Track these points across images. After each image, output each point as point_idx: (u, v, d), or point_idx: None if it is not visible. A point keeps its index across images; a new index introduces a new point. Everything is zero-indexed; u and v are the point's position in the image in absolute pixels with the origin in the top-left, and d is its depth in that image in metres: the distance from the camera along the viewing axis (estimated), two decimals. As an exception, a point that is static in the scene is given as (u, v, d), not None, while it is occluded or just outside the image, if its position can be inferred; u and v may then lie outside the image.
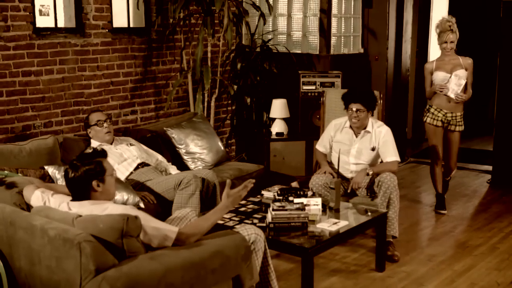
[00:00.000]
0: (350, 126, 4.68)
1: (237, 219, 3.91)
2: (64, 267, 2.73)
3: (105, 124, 4.61)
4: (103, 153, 3.17)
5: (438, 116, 5.38)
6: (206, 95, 5.90)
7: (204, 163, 5.13)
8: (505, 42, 6.28)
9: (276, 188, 4.37)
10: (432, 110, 5.41)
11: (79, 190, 3.06)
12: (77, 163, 3.06)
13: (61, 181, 3.98)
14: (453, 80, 5.23)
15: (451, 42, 5.27)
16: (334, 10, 6.56)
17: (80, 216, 2.90)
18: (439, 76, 5.34)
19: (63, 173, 3.90)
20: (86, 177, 3.03)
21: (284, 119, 6.33)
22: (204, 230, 3.07)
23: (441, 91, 5.31)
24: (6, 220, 3.02)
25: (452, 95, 5.29)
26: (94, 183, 3.03)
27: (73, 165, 3.06)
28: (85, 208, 2.99)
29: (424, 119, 5.46)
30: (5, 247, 3.05)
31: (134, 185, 4.36)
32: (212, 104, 5.97)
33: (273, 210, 3.74)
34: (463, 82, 5.24)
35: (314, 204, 3.90)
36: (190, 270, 2.83)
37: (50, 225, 2.83)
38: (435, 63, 5.40)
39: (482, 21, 9.22)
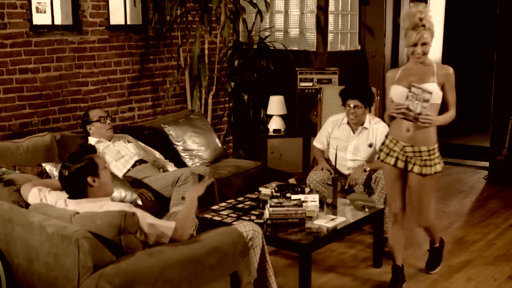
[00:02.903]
0: (348, 123, 4.69)
1: (234, 215, 3.92)
2: (62, 264, 2.73)
3: (107, 121, 4.62)
4: (91, 149, 3.19)
5: (394, 151, 3.67)
6: (203, 92, 5.90)
7: (202, 160, 5.13)
8: (501, 39, 6.29)
9: (274, 184, 4.37)
10: (387, 142, 3.73)
11: (76, 189, 3.06)
12: (69, 163, 3.06)
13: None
14: (412, 96, 3.50)
15: (424, 44, 3.53)
16: (331, 7, 6.56)
17: (78, 213, 2.91)
18: (397, 92, 3.61)
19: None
20: (80, 175, 3.03)
21: (281, 116, 6.34)
22: (189, 221, 3.11)
23: (397, 114, 3.56)
24: (4, 217, 3.02)
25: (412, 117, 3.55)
26: (89, 179, 3.03)
27: (65, 166, 3.07)
28: (82, 205, 3.00)
29: (377, 155, 3.94)
30: (3, 244, 3.05)
31: (132, 182, 4.36)
32: (209, 101, 5.97)
33: (271, 206, 3.75)
34: (429, 97, 3.48)
35: (311, 201, 3.91)
36: (188, 266, 2.84)
37: (48, 222, 2.83)
38: (399, 72, 3.69)
39: (479, 17, 9.23)
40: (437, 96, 3.54)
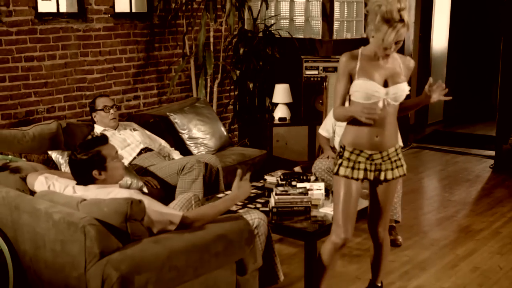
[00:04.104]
0: (353, 111, 4.66)
1: (240, 203, 3.92)
2: (68, 251, 2.74)
3: (111, 110, 4.61)
4: (103, 139, 3.15)
5: (359, 163, 3.09)
6: (208, 80, 5.89)
7: (207, 148, 5.14)
8: (508, 27, 6.25)
9: (279, 173, 4.37)
10: (346, 154, 3.09)
11: (82, 178, 3.07)
12: (76, 153, 3.05)
13: (64, 166, 3.99)
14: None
15: (398, 42, 2.96)
16: (337, -5, 6.53)
17: (85, 200, 2.92)
18: (365, 88, 2.99)
19: (66, 158, 3.93)
20: (86, 167, 3.03)
21: (287, 104, 6.33)
22: (210, 217, 3.06)
23: (367, 119, 2.88)
24: (10, 204, 3.03)
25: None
26: (95, 172, 3.03)
27: (72, 156, 3.07)
28: (90, 191, 3.00)
29: (335, 170, 3.12)
30: (10, 231, 3.06)
31: (137, 170, 4.37)
32: (215, 89, 5.96)
33: (276, 194, 3.75)
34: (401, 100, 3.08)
35: (317, 189, 3.90)
36: (194, 254, 2.85)
37: (54, 209, 2.84)
38: (359, 60, 3.06)
39: (485, 5, 9.18)
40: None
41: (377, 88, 2.97)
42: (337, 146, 4.69)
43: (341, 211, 3.11)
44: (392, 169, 3.13)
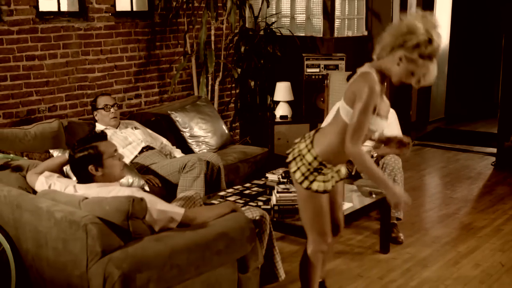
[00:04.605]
0: (355, 109, 4.66)
1: (242, 201, 3.92)
2: (70, 249, 2.75)
3: (112, 109, 4.61)
4: (101, 136, 3.15)
5: (333, 177, 3.07)
6: (210, 78, 5.89)
7: (209, 147, 5.14)
8: (509, 25, 6.24)
9: (281, 170, 4.37)
10: (325, 170, 2.98)
11: (80, 175, 3.08)
12: (74, 149, 3.07)
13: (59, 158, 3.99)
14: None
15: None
16: (338, -7, 6.53)
17: (87, 198, 2.92)
18: (380, 127, 2.92)
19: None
20: (82, 163, 3.03)
21: (288, 102, 6.32)
22: (205, 219, 3.06)
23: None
24: (12, 203, 3.04)
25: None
26: (91, 167, 3.03)
27: (71, 152, 3.07)
28: (91, 190, 3.01)
29: (306, 185, 2.98)
30: (12, 229, 3.07)
31: (139, 169, 4.37)
32: (216, 87, 5.97)
33: (278, 192, 3.75)
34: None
35: (318, 187, 3.90)
36: (195, 252, 2.85)
37: (56, 207, 2.85)
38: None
39: (486, 3, 9.16)
40: None
41: (385, 126, 2.91)
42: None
43: (325, 222, 3.10)
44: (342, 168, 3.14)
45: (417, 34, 2.69)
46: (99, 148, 3.05)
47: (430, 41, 2.68)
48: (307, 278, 3.28)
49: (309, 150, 2.97)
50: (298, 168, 2.99)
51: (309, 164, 2.96)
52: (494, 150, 6.68)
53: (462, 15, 9.00)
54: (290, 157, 3.04)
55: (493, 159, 6.62)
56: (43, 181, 3.19)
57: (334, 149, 2.92)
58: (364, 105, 2.73)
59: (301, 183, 2.98)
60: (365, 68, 2.87)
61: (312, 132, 3.07)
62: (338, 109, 2.94)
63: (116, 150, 3.13)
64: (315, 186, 2.97)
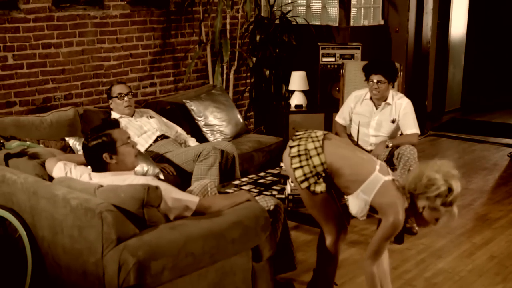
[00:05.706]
0: (371, 98, 4.65)
1: (256, 190, 3.92)
2: (86, 236, 2.76)
3: (125, 98, 4.62)
4: (113, 123, 3.16)
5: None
6: (225, 67, 5.88)
7: (223, 135, 5.14)
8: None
9: (295, 160, 4.36)
10: (326, 176, 3.07)
11: (95, 164, 3.09)
12: (88, 137, 3.08)
13: (81, 152, 4.01)
14: None
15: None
16: (354, -19, 6.48)
17: (102, 186, 2.93)
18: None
19: (83, 145, 3.95)
20: (96, 151, 3.04)
21: (303, 92, 6.30)
22: (219, 207, 3.06)
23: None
24: (29, 190, 3.06)
25: None
26: (105, 155, 3.03)
27: (85, 141, 3.09)
28: (106, 178, 3.02)
29: (305, 185, 3.06)
30: (28, 216, 3.10)
31: (154, 157, 4.38)
32: (231, 76, 5.96)
33: (292, 182, 3.75)
34: None
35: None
36: (210, 240, 2.86)
37: (72, 195, 2.86)
38: None
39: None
40: None
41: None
42: (354, 133, 4.67)
43: (335, 212, 3.17)
44: None
45: (437, 185, 2.82)
46: (112, 136, 3.06)
47: (449, 190, 2.82)
48: (326, 271, 3.27)
49: (318, 154, 3.00)
50: (301, 167, 3.02)
51: (314, 167, 3.00)
52: (510, 141, 6.64)
53: (480, 4, 8.91)
54: (294, 152, 3.05)
55: (510, 150, 6.57)
56: (61, 167, 3.20)
57: (344, 172, 3.01)
58: (387, 235, 2.95)
59: (301, 183, 3.01)
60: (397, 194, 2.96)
61: (320, 134, 3.08)
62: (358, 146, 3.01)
63: (129, 137, 3.14)
64: (313, 188, 3.02)
